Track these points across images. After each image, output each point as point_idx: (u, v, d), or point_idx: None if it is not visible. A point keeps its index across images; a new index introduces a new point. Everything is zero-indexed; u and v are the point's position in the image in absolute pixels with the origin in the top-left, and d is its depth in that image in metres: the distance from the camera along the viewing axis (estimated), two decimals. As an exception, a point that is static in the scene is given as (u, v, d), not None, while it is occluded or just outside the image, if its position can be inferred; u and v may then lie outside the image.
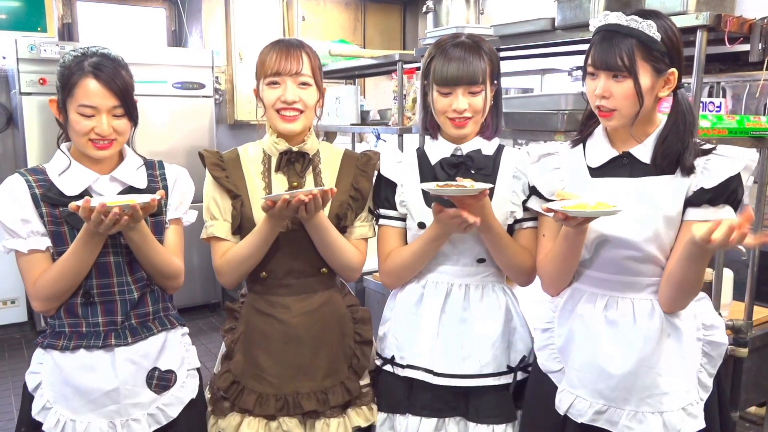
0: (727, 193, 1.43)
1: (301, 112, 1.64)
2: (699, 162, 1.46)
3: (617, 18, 1.44)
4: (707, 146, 1.48)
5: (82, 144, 1.54)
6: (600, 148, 1.56)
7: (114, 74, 1.52)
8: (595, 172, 1.55)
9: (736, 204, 1.45)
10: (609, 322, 1.52)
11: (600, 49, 1.45)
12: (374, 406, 1.76)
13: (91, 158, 1.59)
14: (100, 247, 1.53)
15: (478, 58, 1.61)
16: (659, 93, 1.46)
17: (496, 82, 1.68)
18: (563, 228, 1.49)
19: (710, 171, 1.44)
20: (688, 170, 1.45)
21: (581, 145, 1.61)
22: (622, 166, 1.52)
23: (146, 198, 1.47)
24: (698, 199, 1.44)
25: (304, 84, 1.64)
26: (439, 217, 1.57)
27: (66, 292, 1.55)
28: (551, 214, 1.41)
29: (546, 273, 1.61)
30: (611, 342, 1.50)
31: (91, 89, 1.50)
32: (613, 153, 1.53)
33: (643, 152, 1.50)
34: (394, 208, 1.75)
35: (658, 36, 1.41)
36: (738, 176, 1.43)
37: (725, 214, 1.44)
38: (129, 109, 1.56)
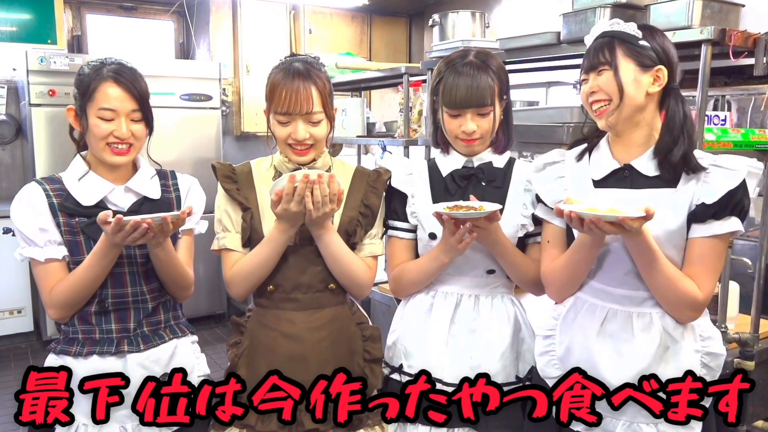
0: (732, 205, 1.44)
1: (312, 145, 1.65)
2: (699, 175, 1.47)
3: (602, 27, 1.54)
4: (708, 158, 1.49)
5: (100, 149, 1.57)
6: (603, 160, 1.58)
7: (133, 79, 1.57)
8: (598, 183, 1.57)
9: (743, 215, 1.46)
10: (608, 335, 1.54)
11: (587, 56, 1.54)
12: (385, 425, 1.72)
13: (108, 168, 1.61)
14: (116, 258, 1.56)
15: (486, 78, 1.62)
16: (649, 89, 1.49)
17: (505, 97, 1.70)
18: (579, 239, 1.51)
19: (710, 185, 1.45)
20: (688, 164, 1.46)
21: (587, 155, 1.63)
22: (623, 178, 1.54)
23: (176, 212, 1.52)
24: (702, 215, 1.45)
25: (314, 121, 1.63)
26: (450, 244, 1.60)
27: (81, 301, 1.58)
28: (559, 220, 1.43)
29: (554, 281, 1.62)
30: (609, 354, 1.53)
31: (111, 93, 1.54)
32: (615, 165, 1.55)
33: (644, 164, 1.52)
34: (403, 219, 1.77)
35: (639, 33, 1.48)
36: (741, 187, 1.44)
37: (732, 226, 1.45)
38: (146, 114, 1.60)
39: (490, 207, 1.55)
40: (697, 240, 1.47)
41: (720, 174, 1.45)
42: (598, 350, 1.54)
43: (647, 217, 1.34)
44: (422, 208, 1.73)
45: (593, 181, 1.58)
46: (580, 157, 1.63)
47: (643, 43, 1.48)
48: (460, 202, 1.60)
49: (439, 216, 1.57)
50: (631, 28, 1.49)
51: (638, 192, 1.50)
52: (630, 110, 1.49)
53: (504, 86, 1.68)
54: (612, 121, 1.51)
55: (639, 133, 1.52)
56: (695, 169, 1.46)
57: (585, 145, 1.65)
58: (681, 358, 1.50)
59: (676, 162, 1.47)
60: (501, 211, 1.60)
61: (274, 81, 1.63)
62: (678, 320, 1.51)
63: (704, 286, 1.47)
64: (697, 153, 1.52)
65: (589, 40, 1.57)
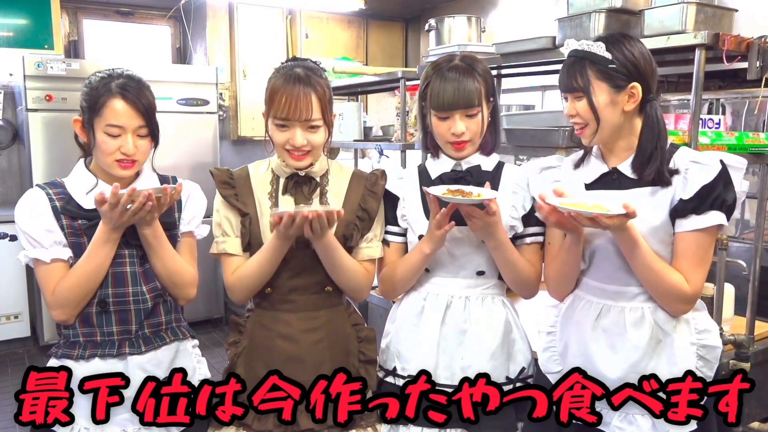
0: (711, 199, 1.48)
1: (309, 151, 1.65)
2: (680, 174, 1.52)
3: (573, 45, 1.57)
4: (689, 156, 1.53)
5: (108, 163, 1.59)
6: (594, 165, 1.64)
7: (139, 94, 1.58)
8: (590, 185, 1.63)
9: (725, 209, 1.49)
10: (601, 330, 1.60)
11: (561, 76, 1.59)
12: (378, 426, 1.74)
13: (110, 174, 1.63)
14: (115, 249, 1.58)
15: (472, 80, 1.65)
16: (625, 107, 1.53)
17: (492, 99, 1.72)
18: (565, 239, 1.58)
19: (688, 181, 1.50)
20: (661, 178, 1.52)
21: (583, 162, 1.68)
22: (612, 180, 1.60)
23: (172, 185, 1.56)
24: (682, 210, 1.51)
25: (313, 127, 1.63)
26: (431, 230, 1.62)
27: (84, 298, 1.59)
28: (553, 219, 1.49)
29: (548, 279, 1.70)
30: (603, 349, 1.59)
31: (119, 109, 1.56)
32: (604, 169, 1.62)
33: (628, 169, 1.58)
34: (393, 222, 1.79)
35: (608, 55, 1.51)
36: (718, 181, 1.48)
37: (712, 219, 1.48)
38: (152, 129, 1.62)
39: (488, 194, 1.56)
40: (681, 234, 1.52)
41: (696, 170, 1.50)
42: (593, 345, 1.60)
43: (628, 215, 1.40)
44: (412, 212, 1.76)
45: (585, 184, 1.63)
46: (577, 165, 1.68)
47: (614, 63, 1.51)
48: (462, 187, 1.62)
49: (433, 200, 1.60)
50: (600, 49, 1.52)
51: (625, 192, 1.56)
52: (608, 131, 1.55)
53: (490, 89, 1.71)
54: (594, 141, 1.59)
55: (622, 142, 1.59)
56: (668, 181, 1.52)
57: (582, 152, 1.69)
58: (675, 351, 1.55)
59: (651, 179, 1.53)
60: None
61: (274, 86, 1.63)
62: (670, 313, 1.55)
63: (692, 279, 1.51)
64: (681, 151, 1.56)
65: (564, 51, 1.61)
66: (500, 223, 1.62)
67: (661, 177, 1.52)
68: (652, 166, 1.52)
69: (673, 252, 1.54)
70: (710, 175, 1.48)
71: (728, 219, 1.50)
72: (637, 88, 1.52)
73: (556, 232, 1.67)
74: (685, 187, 1.50)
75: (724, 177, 1.48)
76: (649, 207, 1.52)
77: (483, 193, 1.58)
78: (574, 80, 1.55)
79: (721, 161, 1.49)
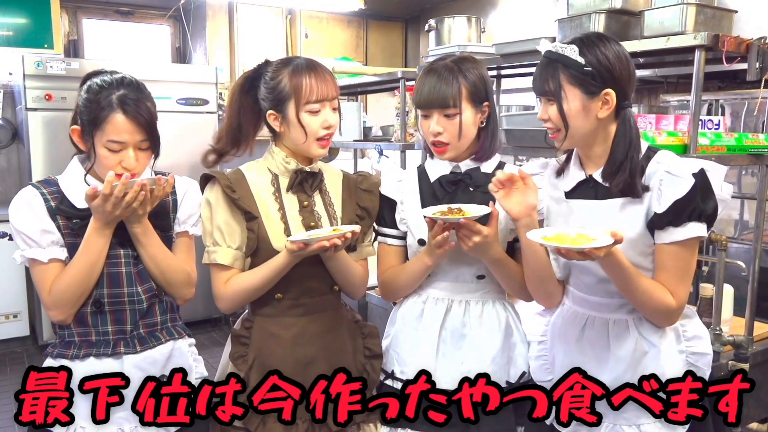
0: (687, 211, 1.43)
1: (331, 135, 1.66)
2: (654, 184, 1.47)
3: (547, 46, 1.51)
4: (664, 163, 1.48)
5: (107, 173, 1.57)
6: (573, 172, 1.61)
7: (140, 107, 1.56)
8: (569, 194, 1.60)
9: (705, 218, 1.44)
10: (586, 341, 1.58)
11: (534, 77, 1.53)
12: (379, 427, 1.74)
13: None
14: (107, 245, 1.57)
15: (453, 81, 1.61)
16: (599, 114, 1.48)
17: (485, 104, 1.68)
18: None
19: (662, 194, 1.45)
20: (632, 190, 1.47)
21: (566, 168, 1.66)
22: (589, 189, 1.56)
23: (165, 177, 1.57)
24: (659, 222, 1.46)
25: (335, 109, 1.65)
26: (438, 254, 1.61)
27: (80, 298, 1.58)
28: None
29: (526, 281, 1.67)
30: (589, 361, 1.57)
31: (120, 125, 1.54)
32: (582, 176, 1.58)
33: (602, 177, 1.54)
34: (392, 226, 1.78)
35: (582, 60, 1.45)
36: (693, 194, 1.42)
37: (691, 232, 1.43)
38: (154, 141, 1.60)
39: (474, 212, 1.55)
40: (661, 247, 1.48)
41: (669, 183, 1.44)
42: (579, 357, 1.59)
43: (616, 242, 1.33)
44: (411, 215, 1.74)
45: (565, 192, 1.61)
46: (559, 172, 1.65)
47: (587, 68, 1.45)
48: (462, 206, 1.60)
49: (429, 221, 1.59)
50: (573, 53, 1.46)
51: (601, 202, 1.52)
52: (580, 137, 1.51)
53: (479, 92, 1.66)
54: (565, 146, 1.55)
55: (597, 148, 1.54)
56: (639, 194, 1.47)
57: (565, 157, 1.67)
58: (662, 361, 1.52)
59: (620, 189, 1.48)
60: (488, 216, 1.58)
61: (294, 75, 1.61)
62: (657, 326, 1.53)
63: (676, 293, 1.47)
64: (659, 157, 1.51)
65: (541, 50, 1.55)
66: (494, 243, 1.60)
67: (632, 189, 1.47)
68: (621, 177, 1.46)
69: (655, 263, 1.50)
70: (683, 189, 1.42)
71: (710, 227, 1.46)
72: (611, 94, 1.46)
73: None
74: (659, 200, 1.44)
75: (701, 187, 1.42)
76: (624, 218, 1.48)
77: (471, 210, 1.55)
78: (546, 84, 1.49)
79: (695, 174, 1.43)
